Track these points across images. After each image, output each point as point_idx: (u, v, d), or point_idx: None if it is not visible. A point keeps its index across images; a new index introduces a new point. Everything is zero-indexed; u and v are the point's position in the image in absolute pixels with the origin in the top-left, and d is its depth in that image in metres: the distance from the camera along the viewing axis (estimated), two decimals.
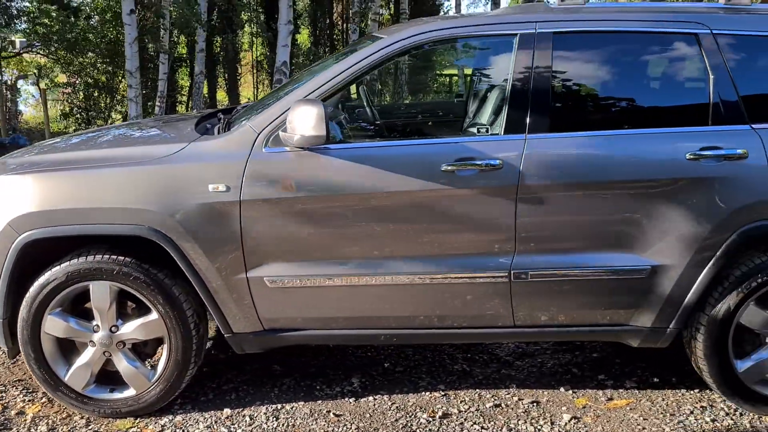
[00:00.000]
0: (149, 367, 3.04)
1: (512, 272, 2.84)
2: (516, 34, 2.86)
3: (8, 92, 15.97)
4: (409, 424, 2.92)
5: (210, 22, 14.75)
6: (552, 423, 2.94)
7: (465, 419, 2.96)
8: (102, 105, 17.12)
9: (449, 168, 2.76)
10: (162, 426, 2.95)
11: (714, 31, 2.84)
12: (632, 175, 2.78)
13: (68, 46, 16.00)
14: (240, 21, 14.18)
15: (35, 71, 17.22)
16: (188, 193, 2.80)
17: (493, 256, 2.84)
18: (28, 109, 18.38)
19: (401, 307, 2.93)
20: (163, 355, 2.99)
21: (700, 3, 3.33)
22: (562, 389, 3.23)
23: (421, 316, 2.95)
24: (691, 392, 3.19)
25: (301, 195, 2.79)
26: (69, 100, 16.89)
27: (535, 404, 3.09)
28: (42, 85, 16.06)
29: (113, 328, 2.95)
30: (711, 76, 2.81)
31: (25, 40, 15.22)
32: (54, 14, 15.49)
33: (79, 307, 3.01)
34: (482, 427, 2.90)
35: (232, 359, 3.54)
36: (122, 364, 2.99)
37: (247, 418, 2.99)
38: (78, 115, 16.66)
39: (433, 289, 2.88)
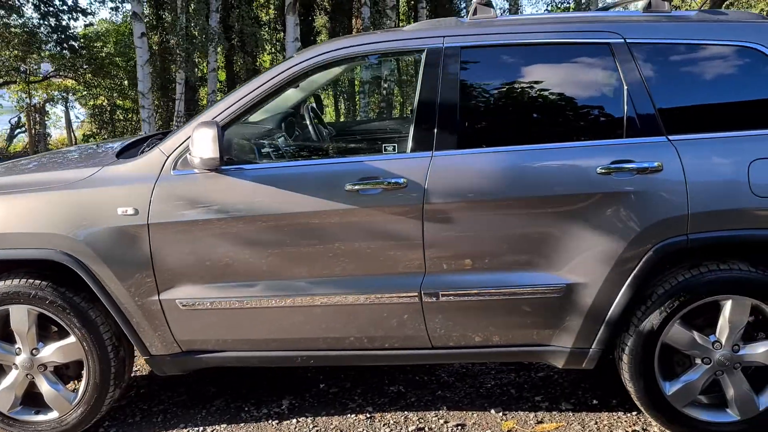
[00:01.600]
0: (71, 390, 3.06)
1: (422, 292, 2.77)
2: (424, 50, 2.81)
3: (36, 115, 16.49)
4: None
5: (230, 41, 15.00)
6: None
7: None
8: (127, 125, 17.59)
9: (352, 188, 2.71)
10: None
11: (628, 40, 2.74)
12: (541, 192, 2.68)
13: (94, 69, 16.52)
14: (255, 40, 14.35)
15: (63, 95, 17.78)
16: (98, 217, 2.82)
17: (403, 276, 2.78)
18: (58, 131, 18.96)
19: (315, 329, 2.89)
20: (83, 378, 3.00)
21: (618, 11, 3.23)
22: (493, 411, 3.13)
23: (335, 338, 2.90)
24: (629, 415, 3.06)
25: (208, 217, 2.78)
26: (95, 122, 17.41)
27: (459, 427, 3.00)
28: (65, 107, 16.58)
29: (34, 351, 2.98)
30: (625, 87, 2.71)
31: (49, 64, 15.74)
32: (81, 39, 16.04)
33: (5, 330, 3.05)
34: None
35: (170, 380, 3.54)
36: (44, 387, 3.01)
37: None
38: (105, 136, 17.14)
39: (346, 310, 2.83)
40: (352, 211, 2.73)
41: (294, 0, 10.97)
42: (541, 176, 2.69)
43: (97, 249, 2.82)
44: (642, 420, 3.01)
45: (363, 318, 2.84)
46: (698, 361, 2.77)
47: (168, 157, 2.85)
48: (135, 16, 11.14)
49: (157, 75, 14.99)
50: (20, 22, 15.37)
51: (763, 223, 2.62)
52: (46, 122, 17.75)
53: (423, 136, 2.76)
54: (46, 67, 16.27)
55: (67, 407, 3.01)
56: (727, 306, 2.70)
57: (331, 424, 3.07)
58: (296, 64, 2.86)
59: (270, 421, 3.11)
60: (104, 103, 17.70)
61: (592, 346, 2.80)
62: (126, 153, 3.22)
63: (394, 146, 2.92)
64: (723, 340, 2.73)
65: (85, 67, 16.39)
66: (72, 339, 2.94)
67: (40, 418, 3.06)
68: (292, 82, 2.89)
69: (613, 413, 3.08)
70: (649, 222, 2.64)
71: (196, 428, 3.08)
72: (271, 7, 17.32)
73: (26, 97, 16.92)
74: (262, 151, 3.15)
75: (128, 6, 13.22)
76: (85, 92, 17.46)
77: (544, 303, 2.76)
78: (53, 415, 3.04)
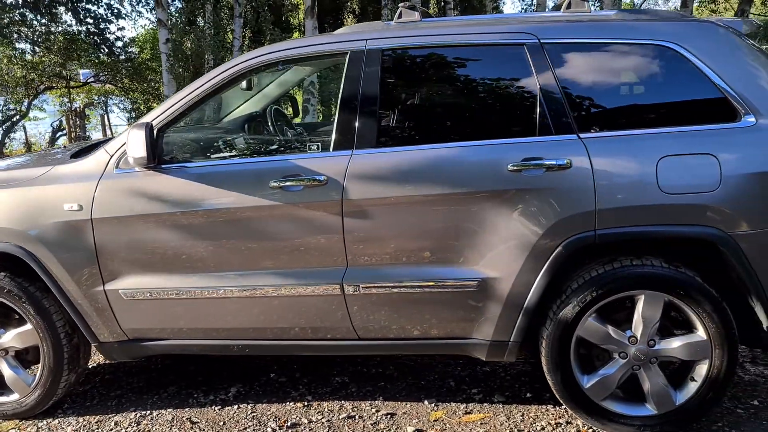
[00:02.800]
0: (31, 374, 3.29)
1: (344, 285, 2.89)
2: (347, 52, 2.94)
3: (77, 119, 17.20)
4: (258, 431, 3.03)
5: (258, 42, 15.37)
6: None
7: (311, 429, 3.03)
8: None
9: (276, 185, 2.86)
10: (38, 428, 3.19)
11: (542, 41, 2.81)
12: (455, 189, 2.77)
13: (131, 74, 17.12)
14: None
15: (102, 99, 18.48)
16: (47, 213, 3.04)
17: (326, 269, 2.91)
18: (98, 134, 19.68)
19: (247, 320, 3.04)
20: (40, 363, 3.23)
21: (538, 13, 3.28)
22: (426, 402, 3.23)
23: (267, 328, 3.05)
24: (557, 408, 3.12)
25: (145, 212, 2.96)
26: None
27: (388, 416, 3.11)
28: (104, 110, 17.24)
29: None
30: (538, 87, 2.78)
31: (88, 71, 16.41)
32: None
33: None
34: None
35: (133, 368, 3.75)
36: (5, 371, 3.25)
37: (113, 423, 3.18)
38: None
39: (274, 302, 2.97)
40: (277, 207, 2.88)
41: (311, 4, 11.18)
42: (455, 174, 2.78)
43: (47, 242, 3.03)
44: (568, 413, 3.06)
45: (291, 310, 2.98)
46: (616, 355, 2.82)
47: (111, 156, 3.05)
48: (160, 23, 11.55)
49: (191, 78, 15.50)
50: (60, 29, 16.07)
51: (670, 220, 2.65)
52: (86, 125, 18.47)
53: (344, 135, 2.88)
54: (86, 73, 16.94)
55: (26, 390, 3.24)
56: (641, 301, 2.73)
57: (269, 410, 3.22)
58: (228, 69, 3.02)
59: (213, 407, 3.27)
60: (142, 107, 18.31)
61: (511, 339, 2.87)
62: (82, 154, 3.43)
63: (318, 145, 3.05)
64: (638, 335, 2.76)
65: (122, 71, 17.03)
66: (29, 326, 3.17)
67: (3, 399, 3.29)
68: (227, 84, 3.04)
69: (543, 406, 3.14)
70: (558, 218, 2.70)
71: (144, 412, 3.27)
72: (300, 11, 17.63)
73: (67, 102, 17.66)
74: (206, 150, 3.32)
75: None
76: (123, 96, 18.12)
77: (462, 297, 2.85)
78: (14, 396, 3.27)
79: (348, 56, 2.93)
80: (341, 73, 2.95)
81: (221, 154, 3.18)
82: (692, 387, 2.81)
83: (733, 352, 2.73)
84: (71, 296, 3.09)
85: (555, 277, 2.77)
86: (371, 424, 3.05)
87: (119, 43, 17.32)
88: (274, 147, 3.58)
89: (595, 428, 2.91)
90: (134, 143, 2.82)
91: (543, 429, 2.96)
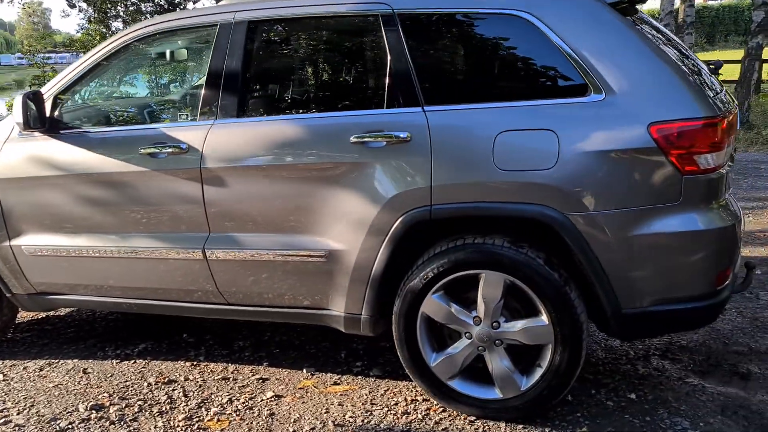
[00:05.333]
0: None
1: (206, 250, 3.00)
2: (217, 24, 3.00)
3: None
4: (133, 386, 3.20)
5: None
6: (252, 398, 3.05)
7: (182, 386, 3.17)
8: None
9: (145, 151, 2.99)
10: None
11: (396, 10, 2.74)
12: (304, 159, 2.79)
13: None
14: None
15: None
16: None
17: (192, 234, 3.03)
18: None
19: (129, 279, 3.21)
20: None
21: None
22: (304, 371, 3.29)
23: (147, 289, 3.21)
24: None
25: (38, 174, 3.19)
26: None
27: (260, 380, 3.20)
28: None
29: None
30: (389, 57, 2.73)
31: None
32: None
33: None
34: (185, 393, 3.09)
35: (72, 321, 4.05)
36: None
37: (22, 368, 3.46)
38: None
39: (151, 264, 3.13)
40: (147, 173, 3.01)
41: None
42: (302, 144, 2.80)
43: None
44: None
45: (165, 272, 3.12)
46: (463, 335, 2.76)
47: (16, 122, 3.29)
48: None
49: None
50: (150, 8, 16.94)
51: (504, 198, 2.55)
52: None
53: (209, 105, 2.97)
54: None
55: None
56: (482, 281, 2.66)
57: (158, 367, 3.39)
58: (115, 41, 3.17)
59: (113, 360, 3.49)
60: None
61: (362, 313, 2.87)
62: None
63: (187, 114, 3.15)
64: (482, 316, 2.69)
65: None
66: None
67: None
68: (114, 54, 3.19)
69: (411, 383, 3.11)
70: (396, 192, 2.67)
71: (53, 360, 3.53)
72: None
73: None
74: (94, 118, 3.48)
75: None
76: None
77: (313, 267, 2.88)
78: None
79: (218, 28, 2.99)
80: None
81: (105, 122, 3.34)
82: (538, 373, 2.70)
83: (577, 340, 2.61)
84: None
85: (399, 251, 2.74)
86: (239, 387, 3.15)
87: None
88: (153, 115, 3.70)
89: (443, 406, 2.87)
90: (16, 109, 3.04)
91: (396, 404, 2.95)
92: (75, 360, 3.52)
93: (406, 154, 2.65)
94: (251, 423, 2.84)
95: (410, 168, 2.65)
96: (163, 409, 2.97)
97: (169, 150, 2.95)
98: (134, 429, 2.83)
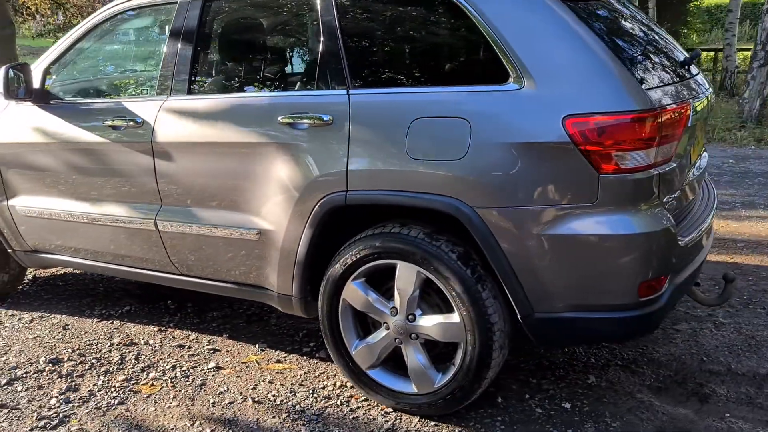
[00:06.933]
0: None
1: (158, 221, 3.11)
2: (176, 2, 3.07)
3: None
4: (97, 344, 3.40)
5: None
6: (194, 366, 3.15)
7: (139, 349, 3.34)
8: None
9: (108, 123, 3.14)
10: None
11: None
12: (238, 138, 2.82)
13: None
14: None
15: None
16: None
17: (147, 205, 3.15)
18: None
19: (99, 244, 3.40)
20: None
21: None
22: (257, 346, 3.36)
23: (114, 254, 3.38)
24: None
25: (25, 140, 3.43)
26: None
27: (211, 351, 3.31)
28: None
29: None
30: (322, 38, 2.69)
31: None
32: None
33: None
34: (137, 356, 3.25)
35: (76, 278, 4.35)
36: None
37: (16, 320, 3.76)
38: None
39: (116, 231, 3.30)
40: (110, 144, 3.17)
41: None
42: (238, 123, 2.83)
43: None
44: None
45: (125, 239, 3.28)
46: (383, 325, 2.71)
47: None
48: None
49: None
50: None
51: (413, 187, 2.46)
52: None
53: (164, 81, 3.06)
54: None
55: None
56: (397, 271, 2.59)
57: (129, 329, 3.58)
58: (93, 18, 3.33)
59: (93, 319, 3.71)
60: None
61: (293, 294, 2.88)
62: None
63: (148, 89, 3.24)
64: (398, 307, 2.63)
65: None
66: None
67: None
68: (91, 30, 3.35)
69: None
70: (316, 175, 2.64)
71: (46, 314, 3.81)
72: None
73: None
74: (74, 91, 3.64)
75: None
76: None
77: (248, 245, 2.92)
78: None
79: (177, 5, 3.07)
80: None
81: (83, 95, 3.52)
82: (451, 371, 2.61)
83: (486, 341, 2.48)
84: None
85: (324, 235, 2.72)
86: (189, 355, 3.27)
87: None
88: (120, 90, 3.80)
89: (365, 395, 2.83)
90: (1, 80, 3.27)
91: (324, 388, 2.95)
92: (63, 316, 3.78)
93: (328, 137, 2.61)
94: (179, 391, 2.95)
95: (330, 152, 2.61)
96: (111, 369, 3.15)
97: (128, 123, 3.08)
98: (76, 384, 3.01)
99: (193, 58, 2.99)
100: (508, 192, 2.33)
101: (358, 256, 2.63)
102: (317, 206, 2.65)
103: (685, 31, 18.26)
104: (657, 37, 2.82)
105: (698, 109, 2.68)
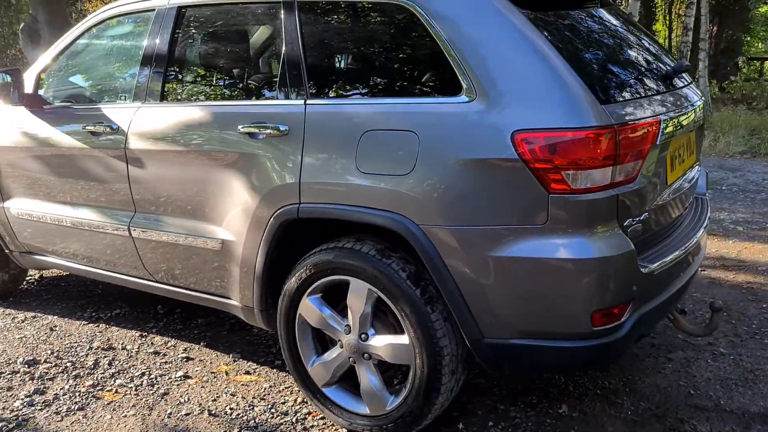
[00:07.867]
0: None
1: (131, 228, 3.12)
2: (154, 9, 3.08)
3: None
4: (76, 348, 3.43)
5: None
6: (162, 375, 3.14)
7: (115, 355, 3.35)
8: None
9: (89, 129, 3.17)
10: None
11: None
12: (202, 147, 2.80)
13: None
14: None
15: None
16: None
17: (122, 211, 3.17)
18: None
19: (81, 248, 3.44)
20: None
21: None
22: (231, 356, 3.32)
23: (96, 259, 3.42)
24: None
25: (16, 144, 3.51)
26: None
27: (184, 359, 3.29)
28: None
29: None
30: (284, 48, 2.64)
31: None
32: None
33: None
34: (111, 362, 3.26)
35: (76, 281, 4.43)
36: None
37: (10, 319, 3.85)
38: None
39: (94, 235, 3.33)
40: (88, 150, 3.20)
41: None
42: (203, 132, 2.82)
43: None
44: None
45: (104, 244, 3.30)
46: (338, 343, 2.63)
47: None
48: None
49: None
50: None
51: (362, 202, 2.37)
52: None
53: (140, 88, 3.07)
54: None
55: None
56: (350, 288, 2.51)
57: (112, 333, 3.60)
58: (81, 24, 3.37)
59: (82, 321, 3.76)
60: None
61: (254, 306, 2.84)
62: None
63: (126, 96, 3.25)
64: (351, 325, 2.55)
65: None
66: None
67: None
68: (80, 36, 3.40)
69: None
70: (270, 187, 2.59)
71: (39, 314, 3.89)
72: None
73: None
74: (62, 97, 3.68)
75: None
76: None
77: (212, 255, 2.90)
78: None
79: (154, 14, 3.07)
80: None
81: (70, 101, 3.56)
82: (402, 395, 2.50)
83: (435, 365, 2.37)
84: None
85: (281, 248, 2.66)
86: (161, 362, 3.26)
87: None
88: (102, 96, 3.79)
89: (320, 413, 2.76)
90: None
91: (284, 403, 2.89)
92: (54, 317, 3.85)
93: (283, 148, 2.55)
94: (140, 399, 2.93)
95: (285, 163, 2.55)
96: (82, 373, 3.17)
97: (105, 129, 3.10)
98: (45, 387, 3.04)
99: (167, 65, 2.99)
100: (455, 210, 2.22)
101: (312, 270, 2.56)
102: (272, 218, 2.59)
103: (748, 39, 17.49)
104: (639, 50, 2.65)
105: (683, 123, 2.51)
